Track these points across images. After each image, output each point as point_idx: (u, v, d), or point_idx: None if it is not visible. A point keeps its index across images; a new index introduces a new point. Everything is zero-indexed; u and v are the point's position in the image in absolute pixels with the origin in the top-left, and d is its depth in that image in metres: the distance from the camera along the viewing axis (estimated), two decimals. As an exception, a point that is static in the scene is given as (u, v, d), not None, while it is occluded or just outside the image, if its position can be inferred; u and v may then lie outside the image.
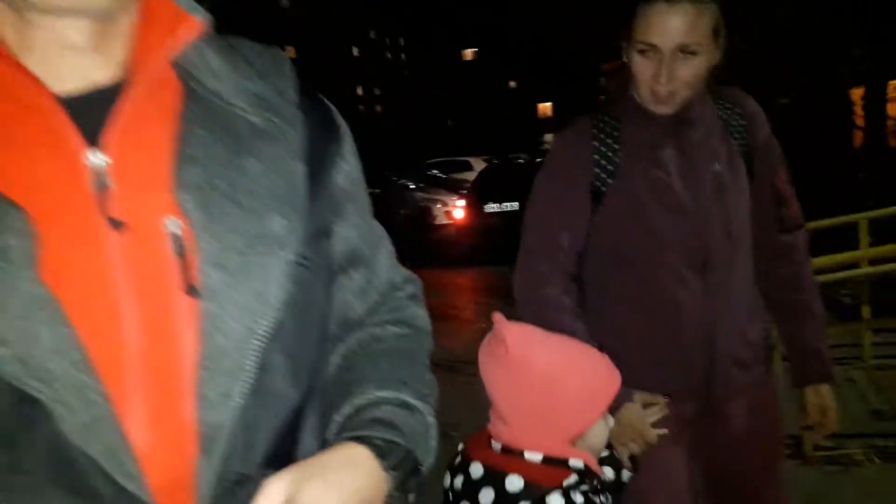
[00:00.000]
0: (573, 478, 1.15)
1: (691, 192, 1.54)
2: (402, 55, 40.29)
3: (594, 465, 1.20)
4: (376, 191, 16.23)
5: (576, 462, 1.17)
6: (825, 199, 8.57)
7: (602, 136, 1.57)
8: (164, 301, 0.67)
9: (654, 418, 1.48)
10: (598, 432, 1.22)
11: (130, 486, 0.63)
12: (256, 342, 0.69)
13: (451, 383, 5.34)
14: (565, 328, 1.44)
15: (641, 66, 1.49)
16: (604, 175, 1.55)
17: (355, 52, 36.39)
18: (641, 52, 1.47)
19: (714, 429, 1.66)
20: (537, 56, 49.68)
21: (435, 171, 19.15)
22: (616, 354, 1.33)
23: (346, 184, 0.82)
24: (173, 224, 0.67)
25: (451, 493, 1.26)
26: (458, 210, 13.36)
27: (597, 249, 1.61)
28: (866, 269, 4.57)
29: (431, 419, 0.81)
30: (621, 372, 1.28)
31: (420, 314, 0.91)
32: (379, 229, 0.92)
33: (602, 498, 1.20)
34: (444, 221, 15.38)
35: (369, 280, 0.87)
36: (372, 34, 38.15)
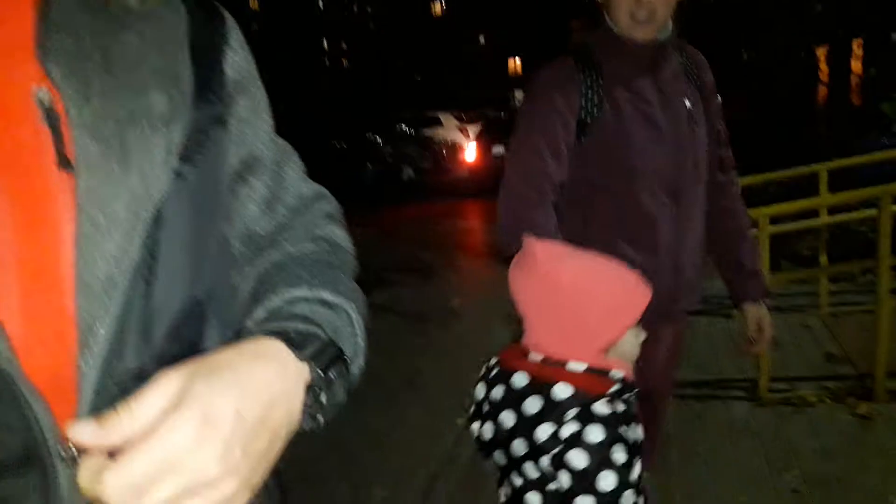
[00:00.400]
0: (617, 386, 1.20)
1: (670, 123, 1.66)
2: (369, 8, 39.42)
3: (632, 376, 1.25)
4: (343, 146, 16.12)
5: (617, 372, 1.22)
6: (789, 151, 8.71)
7: (586, 69, 1.64)
8: (36, 177, 0.59)
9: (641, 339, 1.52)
10: (630, 342, 1.26)
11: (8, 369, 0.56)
12: (141, 225, 0.62)
13: (416, 333, 5.41)
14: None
15: (627, 2, 1.57)
16: (589, 106, 1.62)
17: (320, 4, 35.54)
18: None
19: (664, 345, 1.81)
20: (507, 10, 49.05)
21: (404, 127, 18.98)
22: None
23: (236, 74, 0.74)
24: (43, 93, 0.59)
25: (487, 404, 1.28)
26: (469, 153, 15.05)
27: (580, 178, 1.67)
28: (825, 219, 4.68)
29: (356, 315, 0.74)
30: None
31: (339, 233, 0.84)
32: (283, 143, 0.83)
33: (635, 409, 1.26)
34: (412, 178, 15.32)
35: (275, 193, 0.79)
36: (336, -15, 37.37)
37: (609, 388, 1.20)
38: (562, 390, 1.19)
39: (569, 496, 1.16)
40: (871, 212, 3.98)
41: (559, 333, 1.22)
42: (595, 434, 1.15)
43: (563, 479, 1.16)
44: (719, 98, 1.81)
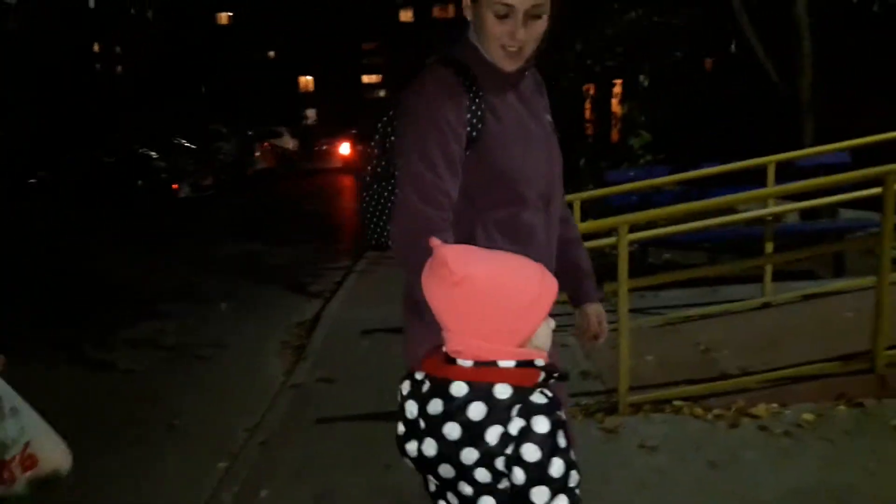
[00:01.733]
0: (543, 375, 1.26)
1: (540, 134, 1.75)
2: (149, 12, 36.97)
3: (551, 362, 1.30)
4: (111, 160, 14.84)
5: (539, 361, 1.27)
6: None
7: (468, 81, 1.66)
8: None
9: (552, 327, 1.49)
10: (543, 333, 1.30)
11: None
12: None
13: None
14: None
15: (496, 27, 1.60)
16: (474, 119, 1.65)
17: (91, 2, 32.65)
18: (497, 13, 1.58)
19: None
20: (298, 28, 48.53)
21: (183, 141, 17.96)
22: None
23: None
24: None
25: (423, 421, 1.28)
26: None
27: (465, 187, 1.67)
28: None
29: None
30: None
31: None
32: None
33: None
34: (189, 195, 14.48)
35: None
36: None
37: (539, 377, 1.26)
38: (502, 390, 1.22)
39: (524, 490, 1.20)
40: (613, 240, 4.30)
41: (483, 335, 1.24)
42: (541, 425, 1.20)
43: (517, 475, 1.20)
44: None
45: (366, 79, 58.54)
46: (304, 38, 49.12)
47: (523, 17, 1.58)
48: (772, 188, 4.86)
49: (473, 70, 1.66)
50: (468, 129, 1.64)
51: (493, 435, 1.20)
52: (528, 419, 1.20)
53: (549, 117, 1.81)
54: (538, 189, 1.73)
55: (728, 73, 10.01)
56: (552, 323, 1.34)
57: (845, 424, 3.25)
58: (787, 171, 5.42)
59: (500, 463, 1.21)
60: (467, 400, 1.23)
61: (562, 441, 1.22)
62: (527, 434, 1.19)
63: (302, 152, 30.05)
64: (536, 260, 1.58)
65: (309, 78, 56.59)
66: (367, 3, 47.99)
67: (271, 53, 51.00)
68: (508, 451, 1.20)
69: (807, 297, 4.83)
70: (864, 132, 5.33)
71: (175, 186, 14.55)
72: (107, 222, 11.17)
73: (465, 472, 1.25)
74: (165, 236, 10.56)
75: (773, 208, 5.03)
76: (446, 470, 1.27)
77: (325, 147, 31.24)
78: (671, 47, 8.76)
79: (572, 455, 1.24)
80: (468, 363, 1.25)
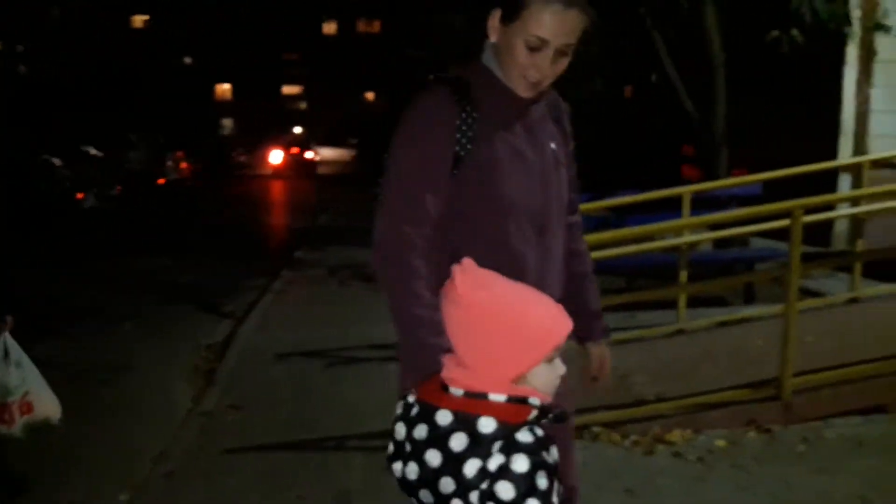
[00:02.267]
0: (535, 413, 1.24)
1: (538, 160, 1.72)
2: (56, 9, 35.36)
3: (547, 401, 1.27)
4: (11, 166, 14.00)
5: (534, 400, 1.24)
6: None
7: (462, 101, 1.66)
8: None
9: (560, 371, 1.51)
10: (541, 374, 1.27)
11: None
12: None
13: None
14: (424, 298, 1.55)
15: (526, 57, 1.61)
16: (464, 140, 1.65)
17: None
18: (529, 44, 1.59)
19: None
20: (217, 35, 47.50)
21: (89, 149, 17.18)
22: None
23: None
24: None
25: (408, 444, 1.28)
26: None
27: (451, 209, 1.67)
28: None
29: None
30: None
31: None
32: None
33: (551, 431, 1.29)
34: (95, 205, 13.84)
35: None
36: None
37: (528, 415, 1.24)
38: (486, 424, 1.22)
39: None
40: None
41: (479, 362, 1.25)
42: (520, 464, 1.18)
43: None
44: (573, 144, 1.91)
45: (286, 89, 57.80)
46: (223, 46, 48.09)
47: (554, 53, 1.61)
48: (687, 219, 5.03)
49: (477, 91, 1.68)
50: (457, 148, 1.65)
51: (471, 468, 1.20)
52: (507, 456, 1.19)
53: (553, 146, 1.76)
54: (528, 218, 1.71)
55: (647, 103, 10.35)
56: (561, 368, 1.31)
57: (755, 450, 3.34)
58: (701, 200, 5.61)
59: (474, 497, 1.21)
60: (451, 429, 1.23)
61: (541, 482, 1.19)
62: (504, 471, 1.18)
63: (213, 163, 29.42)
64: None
65: (227, 86, 55.41)
66: (289, 13, 47.44)
67: (188, 60, 49.70)
68: (484, 486, 1.19)
69: (719, 325, 4.97)
70: (775, 164, 5.56)
71: (80, 196, 13.87)
72: (1, 233, 10.55)
73: (443, 501, 1.24)
74: (67, 248, 10.01)
75: (688, 238, 5.18)
76: (426, 496, 1.27)
77: (242, 157, 31.21)
78: (591, 76, 8.98)
79: (554, 499, 1.21)
80: (459, 392, 1.26)
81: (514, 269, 1.66)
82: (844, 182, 7.81)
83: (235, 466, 3.54)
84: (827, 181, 7.13)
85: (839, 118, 8.07)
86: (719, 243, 6.44)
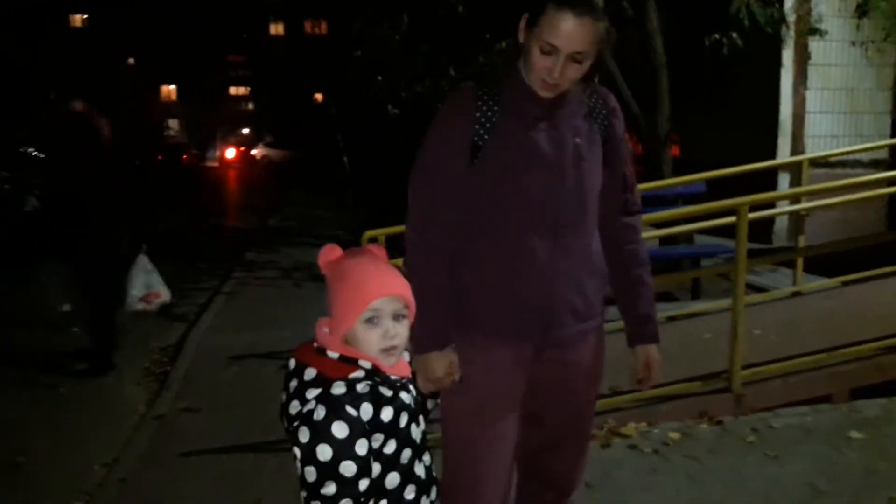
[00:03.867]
0: (359, 373, 1.38)
1: (556, 157, 1.75)
2: (-9, 9, 34.13)
3: (384, 367, 1.41)
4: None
5: (364, 362, 1.39)
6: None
7: (485, 97, 1.76)
8: None
9: (440, 373, 1.75)
10: (360, 333, 1.40)
11: None
12: None
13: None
14: (436, 313, 1.73)
15: (540, 60, 1.69)
16: (482, 131, 1.74)
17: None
18: (542, 49, 1.67)
19: (549, 369, 1.87)
20: (161, 35, 46.42)
21: (30, 151, 16.60)
22: (471, 293, 1.79)
23: None
24: None
25: (285, 397, 1.42)
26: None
27: (469, 198, 1.77)
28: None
29: None
30: (475, 311, 1.78)
31: None
32: None
33: (392, 392, 1.41)
34: (37, 207, 13.34)
35: None
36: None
37: (350, 373, 1.37)
38: (308, 373, 1.38)
39: (300, 466, 1.33)
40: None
41: (331, 320, 1.42)
42: (319, 412, 1.31)
43: (295, 451, 1.33)
44: (628, 144, 1.93)
45: (233, 90, 56.89)
46: (168, 46, 47.06)
47: (565, 58, 1.67)
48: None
49: (505, 89, 1.78)
50: (474, 138, 1.74)
51: (293, 408, 1.36)
52: (316, 404, 1.32)
53: (578, 140, 1.78)
54: (541, 209, 1.75)
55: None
56: (391, 332, 1.40)
57: (708, 442, 3.43)
58: (647, 199, 5.70)
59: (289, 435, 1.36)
60: (293, 373, 1.41)
61: (338, 431, 1.30)
62: (306, 417, 1.32)
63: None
64: (527, 280, 1.77)
65: (172, 87, 54.26)
66: (235, 14, 46.69)
67: (131, 60, 48.51)
68: (295, 423, 1.34)
69: (668, 319, 5.09)
70: (717, 163, 5.72)
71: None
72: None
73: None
74: (10, 253, 9.65)
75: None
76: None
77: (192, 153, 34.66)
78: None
79: (357, 450, 1.32)
80: (315, 348, 1.43)
81: (518, 259, 1.77)
82: (783, 181, 8.09)
83: (191, 470, 3.48)
84: (767, 180, 7.37)
85: (777, 119, 8.35)
86: (665, 240, 6.59)
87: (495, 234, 1.78)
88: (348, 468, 1.31)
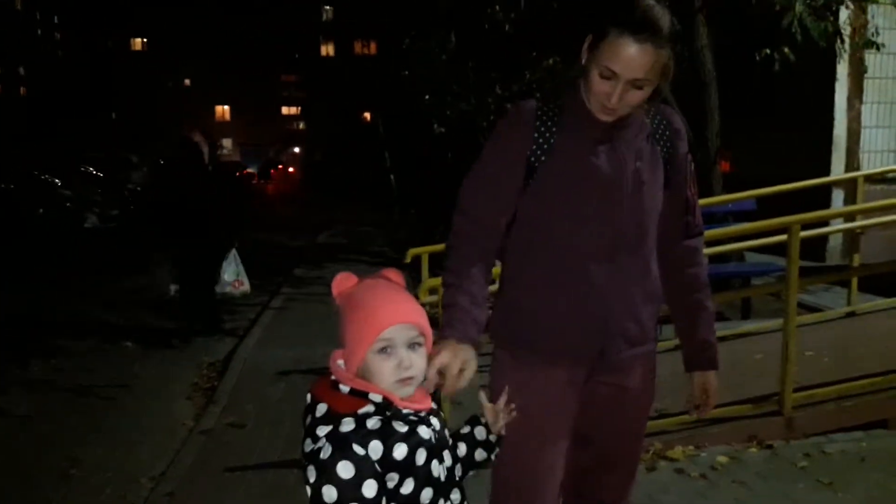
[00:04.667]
0: (369, 407, 1.31)
1: (614, 180, 1.72)
2: (56, 34, 35.62)
3: (398, 401, 1.34)
4: (10, 186, 14.04)
5: (375, 396, 1.33)
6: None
7: (544, 117, 1.74)
8: None
9: (447, 359, 1.55)
10: (373, 364, 1.34)
11: None
12: None
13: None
14: (459, 305, 1.69)
15: (599, 85, 1.65)
16: (539, 151, 1.72)
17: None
18: (601, 73, 1.63)
19: (601, 391, 1.84)
20: (215, 57, 47.75)
21: (90, 168, 17.21)
22: (526, 314, 1.78)
23: None
24: None
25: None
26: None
27: (524, 219, 1.78)
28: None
29: None
30: (530, 332, 1.77)
31: None
32: None
33: (407, 428, 1.33)
34: (97, 225, 13.82)
35: None
36: (17, 4, 33.02)
37: (360, 408, 1.31)
38: (320, 409, 1.33)
39: None
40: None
41: (341, 358, 1.37)
42: (325, 450, 1.26)
43: (307, 490, 1.28)
44: (692, 165, 1.87)
45: (285, 110, 58.04)
46: (222, 68, 48.35)
47: (624, 84, 1.62)
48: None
49: (566, 109, 1.75)
50: (531, 158, 1.73)
51: (306, 445, 1.32)
52: (323, 442, 1.28)
53: (638, 164, 1.74)
54: (597, 232, 1.72)
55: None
56: (406, 363, 1.34)
57: (757, 466, 3.34)
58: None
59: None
60: (307, 409, 1.36)
61: (343, 472, 1.24)
62: (313, 455, 1.28)
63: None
64: (582, 303, 1.75)
65: (226, 107, 55.64)
66: (287, 35, 47.74)
67: (187, 81, 49.98)
68: (305, 462, 1.30)
69: (718, 339, 4.96)
70: (768, 179, 5.60)
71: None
72: (2, 253, 10.52)
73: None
74: (68, 269, 9.99)
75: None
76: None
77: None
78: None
79: (365, 492, 1.25)
80: (330, 381, 1.38)
81: (574, 282, 1.75)
82: (838, 197, 7.86)
83: (236, 485, 3.54)
84: (820, 197, 7.18)
85: (831, 135, 8.14)
86: (715, 258, 6.47)
87: (551, 256, 1.76)
88: None
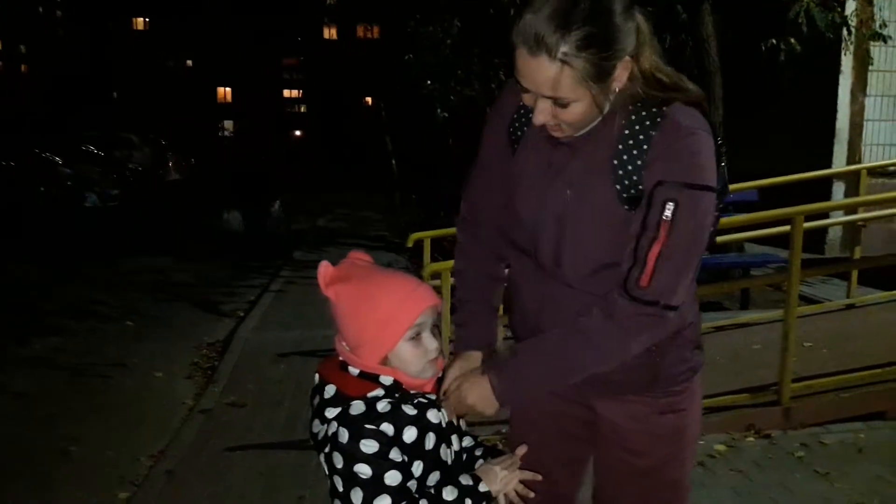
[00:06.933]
0: (379, 391, 1.32)
1: (540, 197, 1.49)
2: (58, 11, 35.37)
3: (408, 381, 1.34)
4: (10, 163, 14.00)
5: (385, 378, 1.33)
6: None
7: (522, 107, 1.52)
8: None
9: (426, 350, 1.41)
10: (404, 352, 1.33)
11: None
12: None
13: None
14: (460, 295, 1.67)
15: (525, 97, 1.40)
16: (518, 133, 1.56)
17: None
18: (522, 86, 1.37)
19: (604, 432, 1.68)
20: (217, 38, 47.48)
21: (91, 147, 17.16)
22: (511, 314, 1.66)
23: None
24: None
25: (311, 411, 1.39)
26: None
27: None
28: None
29: None
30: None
31: None
32: None
33: (416, 411, 1.33)
34: (97, 204, 13.77)
35: None
36: (19, -19, 32.83)
37: (369, 391, 1.31)
38: (328, 390, 1.34)
39: (343, 490, 1.28)
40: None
41: (351, 342, 1.35)
42: (342, 435, 1.28)
43: (336, 480, 1.28)
44: (669, 210, 1.34)
45: (287, 93, 57.79)
46: (224, 49, 48.09)
47: (542, 100, 1.35)
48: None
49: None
50: (512, 138, 1.57)
51: (315, 426, 1.33)
52: (338, 426, 1.29)
53: (570, 192, 1.45)
54: (524, 238, 1.55)
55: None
56: (431, 346, 1.34)
57: (754, 455, 3.35)
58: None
59: (322, 460, 1.32)
60: (315, 389, 1.37)
61: (369, 448, 1.26)
62: (333, 442, 1.29)
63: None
64: (522, 313, 1.63)
65: (227, 89, 55.40)
66: (289, 18, 47.47)
67: (189, 62, 49.73)
68: (326, 449, 1.30)
69: (717, 329, 4.99)
70: (769, 170, 5.59)
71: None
72: (1, 230, 10.51)
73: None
74: (68, 248, 9.99)
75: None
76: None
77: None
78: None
79: (394, 457, 1.27)
80: (338, 362, 1.39)
81: (518, 295, 1.64)
82: (839, 190, 7.86)
83: (235, 465, 3.55)
84: (821, 189, 7.17)
85: (834, 126, 8.12)
86: (716, 249, 6.47)
87: (514, 260, 1.63)
88: (393, 477, 1.27)
